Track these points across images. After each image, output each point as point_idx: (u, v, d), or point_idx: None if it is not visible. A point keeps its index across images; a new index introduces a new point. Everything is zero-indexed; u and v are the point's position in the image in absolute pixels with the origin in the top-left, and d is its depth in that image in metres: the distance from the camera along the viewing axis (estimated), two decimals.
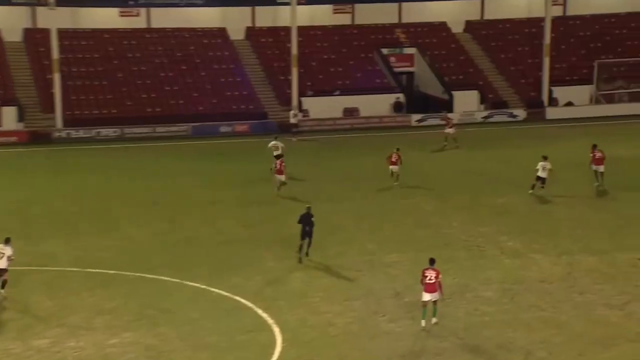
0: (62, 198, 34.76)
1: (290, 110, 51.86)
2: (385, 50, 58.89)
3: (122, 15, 57.89)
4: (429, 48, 59.75)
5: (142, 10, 58.18)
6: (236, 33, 59.18)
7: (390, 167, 36.39)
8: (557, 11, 61.35)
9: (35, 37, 55.57)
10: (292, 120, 49.84)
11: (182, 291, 23.75)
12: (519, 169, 38.84)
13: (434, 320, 20.92)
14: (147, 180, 38.44)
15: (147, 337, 20.65)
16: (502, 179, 37.00)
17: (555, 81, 57.45)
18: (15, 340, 20.50)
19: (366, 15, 60.82)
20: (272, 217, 31.38)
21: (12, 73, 53.83)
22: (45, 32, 52.56)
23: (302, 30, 56.42)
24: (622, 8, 63.85)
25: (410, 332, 20.73)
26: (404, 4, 61.36)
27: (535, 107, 56.11)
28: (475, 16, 63.13)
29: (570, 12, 63.66)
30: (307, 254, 26.09)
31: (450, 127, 45.97)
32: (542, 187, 33.49)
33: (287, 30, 55.82)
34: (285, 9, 55.18)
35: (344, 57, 58.54)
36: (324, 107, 53.76)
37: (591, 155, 35.03)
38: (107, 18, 57.12)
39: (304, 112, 52.53)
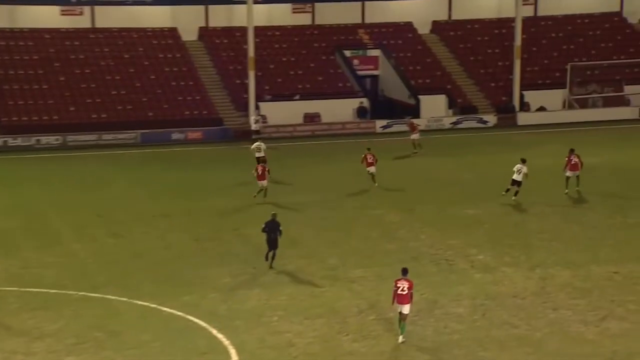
0: None
1: (250, 115, 51.77)
2: (347, 52, 59.12)
3: (63, 14, 57.31)
4: (394, 50, 60.13)
5: (86, 9, 57.67)
6: (188, 33, 58.95)
7: (368, 168, 37.30)
8: (527, 11, 62.19)
9: None
10: (254, 127, 49.61)
11: (130, 311, 23.50)
12: (489, 178, 39.18)
13: (401, 338, 21.01)
14: (91, 192, 38.07)
15: None
16: (471, 189, 37.28)
17: (526, 85, 58.21)
18: None
19: (327, 15, 61.04)
20: (227, 230, 31.22)
21: None
22: None
23: (259, 30, 56.36)
24: (595, 8, 64.98)
25: (375, 353, 20.71)
26: (367, 3, 61.75)
27: (506, 113, 56.76)
28: (442, 16, 63.74)
29: (542, 12, 64.58)
30: (270, 267, 26.37)
31: (416, 133, 46.34)
32: (515, 195, 33.85)
33: (243, 30, 55.73)
34: (241, 8, 55.11)
35: (304, 59, 58.63)
36: (283, 113, 53.76)
37: (567, 159, 35.49)
38: (47, 17, 56.53)
39: (263, 118, 52.41)
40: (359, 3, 61.63)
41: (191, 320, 22.66)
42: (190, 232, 31.02)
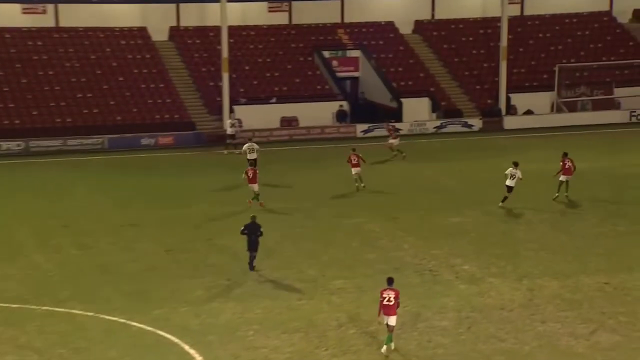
0: None
1: (224, 119, 51.70)
2: (326, 53, 59.25)
3: (25, 12, 57.03)
4: (375, 50, 60.34)
5: (50, 7, 57.44)
6: (158, 33, 58.85)
7: (352, 169, 37.72)
8: (514, 10, 62.66)
9: None
10: (229, 131, 49.52)
11: (97, 326, 23.37)
12: (474, 185, 39.40)
13: (392, 346, 21.15)
14: (55, 201, 37.89)
15: None
16: (456, 196, 37.46)
17: (513, 87, 58.60)
18: None
19: (305, 14, 61.17)
20: (200, 239, 31.16)
21: None
22: None
23: (233, 30, 56.37)
24: (584, 7, 65.56)
25: None
26: (347, 2, 61.99)
27: (492, 116, 57.09)
28: (425, 15, 64.06)
29: (529, 11, 65.10)
30: (251, 269, 27.13)
31: (395, 138, 46.56)
32: (502, 202, 34.15)
33: (216, 30, 55.70)
34: (214, 7, 55.09)
35: (280, 60, 58.68)
36: (258, 117, 53.75)
37: (561, 163, 35.89)
38: (7, 15, 56.23)
39: (239, 122, 52.26)
40: (338, 2, 61.84)
41: (162, 336, 22.56)
42: (160, 243, 30.92)
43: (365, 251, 29.62)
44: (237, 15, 58.24)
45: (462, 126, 55.91)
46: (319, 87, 57.66)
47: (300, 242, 30.72)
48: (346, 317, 23.61)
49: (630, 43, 63.95)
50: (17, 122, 51.68)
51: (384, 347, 21.11)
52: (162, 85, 55.64)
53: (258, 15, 60.77)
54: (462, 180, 40.85)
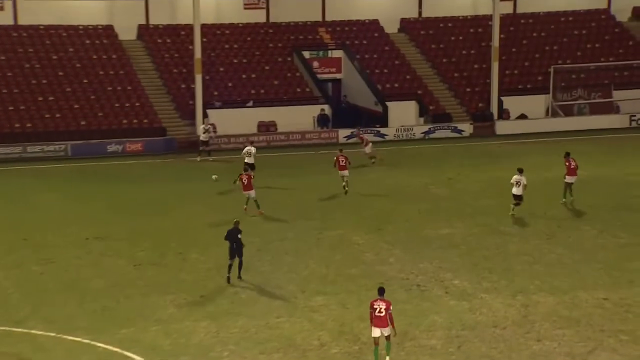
0: None
1: (197, 124, 51.60)
2: (306, 54, 59.35)
3: None
4: (359, 51, 60.50)
5: (7, 3, 57.25)
6: (126, 32, 58.73)
7: (340, 172, 38.61)
8: (506, 8, 63.04)
9: None
10: (202, 137, 49.38)
11: (58, 347, 23.23)
12: (465, 194, 39.52)
13: (387, 359, 21.16)
14: (15, 212, 37.72)
15: None
16: (445, 206, 37.56)
17: (505, 90, 58.90)
18: None
19: (284, 11, 61.25)
20: (171, 254, 31.08)
21: None
22: None
23: (206, 28, 56.34)
24: (581, 5, 66.05)
25: None
26: None
27: (483, 121, 57.35)
28: (411, 13, 64.31)
29: (522, 9, 65.48)
30: (239, 277, 27.69)
31: (366, 145, 46.72)
32: (514, 209, 34.50)
33: (188, 28, 55.70)
34: (186, 3, 55.09)
35: (257, 61, 58.72)
36: (234, 122, 53.71)
37: (566, 164, 36.43)
38: None
39: (213, 127, 52.09)
40: None
41: (130, 357, 22.47)
42: (128, 257, 30.81)
43: (348, 265, 29.63)
44: (210, 12, 58.21)
45: (452, 131, 56.12)
46: (298, 89, 57.72)
47: (279, 256, 30.69)
48: (328, 336, 23.60)
49: (630, 43, 64.47)
50: None
51: (387, 358, 21.29)
52: (129, 88, 55.49)
53: (233, 12, 60.78)
54: (451, 189, 40.97)
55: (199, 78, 53.51)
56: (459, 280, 27.97)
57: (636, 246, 31.44)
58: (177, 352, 22.81)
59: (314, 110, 55.99)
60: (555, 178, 38.67)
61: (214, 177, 38.45)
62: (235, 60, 58.55)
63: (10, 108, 52.80)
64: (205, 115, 53.24)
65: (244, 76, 57.71)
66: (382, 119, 55.92)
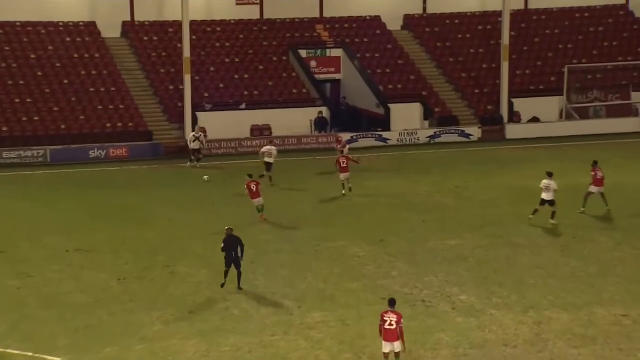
0: None
1: (186, 127, 51.66)
2: (303, 52, 59.49)
3: None
4: (359, 49, 60.63)
5: None
6: (109, 29, 58.85)
7: (341, 174, 39.26)
8: (516, 3, 63.27)
9: None
10: (192, 145, 49.14)
11: None
12: (473, 203, 39.54)
13: None
14: None
15: None
16: (451, 216, 37.59)
17: (516, 91, 59.04)
18: None
19: (279, 7, 61.40)
20: (157, 267, 31.07)
21: None
22: None
23: (196, 25, 56.44)
24: (596, 0, 66.17)
25: None
26: None
27: (492, 124, 57.47)
28: (415, 9, 64.50)
29: (533, 4, 65.71)
30: (239, 288, 28.03)
31: (343, 147, 46.45)
32: (552, 218, 34.81)
33: (176, 25, 55.77)
34: None
35: (250, 60, 58.85)
36: (225, 125, 53.79)
37: (592, 174, 36.80)
38: None
39: (204, 133, 51.89)
40: None
41: None
42: (112, 271, 30.79)
43: (348, 279, 29.63)
44: (200, 8, 58.35)
45: (459, 135, 56.23)
46: (294, 91, 57.81)
47: (274, 269, 30.70)
48: (326, 355, 23.59)
49: None
50: None
51: None
52: (113, 89, 55.56)
53: (224, 8, 60.91)
54: (458, 197, 41.01)
55: (187, 78, 53.58)
56: (467, 295, 27.98)
57: None
58: None
59: (311, 112, 56.09)
60: (571, 185, 38.70)
61: (205, 177, 38.51)
62: (226, 60, 58.65)
63: None
64: (194, 118, 53.22)
65: (236, 76, 57.81)
66: (384, 122, 56.01)
